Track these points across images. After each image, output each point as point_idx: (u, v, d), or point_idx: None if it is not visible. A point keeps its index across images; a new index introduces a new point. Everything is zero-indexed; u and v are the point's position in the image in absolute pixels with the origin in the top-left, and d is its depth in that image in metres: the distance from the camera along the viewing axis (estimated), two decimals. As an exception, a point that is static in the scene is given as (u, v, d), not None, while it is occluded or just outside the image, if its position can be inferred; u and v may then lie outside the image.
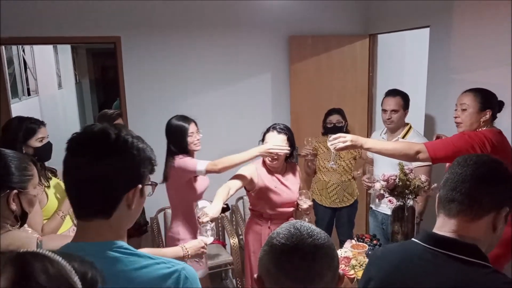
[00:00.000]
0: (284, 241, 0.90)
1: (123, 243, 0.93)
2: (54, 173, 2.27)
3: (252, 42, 3.65)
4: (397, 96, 2.78)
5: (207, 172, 2.38)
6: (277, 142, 2.33)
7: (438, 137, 2.40)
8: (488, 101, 2.11)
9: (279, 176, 2.45)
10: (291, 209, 2.46)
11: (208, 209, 2.05)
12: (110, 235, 0.92)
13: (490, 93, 2.14)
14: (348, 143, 2.07)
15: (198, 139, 2.50)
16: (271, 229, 2.38)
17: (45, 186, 2.10)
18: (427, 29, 3.04)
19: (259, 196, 2.40)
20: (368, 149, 2.24)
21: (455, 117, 2.20)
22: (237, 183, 2.28)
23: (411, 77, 3.79)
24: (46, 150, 2.15)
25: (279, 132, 2.37)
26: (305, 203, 2.37)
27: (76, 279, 0.60)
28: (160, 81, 3.50)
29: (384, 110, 2.80)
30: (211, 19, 3.51)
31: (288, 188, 2.45)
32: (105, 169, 0.89)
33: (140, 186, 0.96)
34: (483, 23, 2.55)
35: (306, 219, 2.39)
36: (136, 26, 3.33)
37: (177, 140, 2.44)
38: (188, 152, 2.45)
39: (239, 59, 3.66)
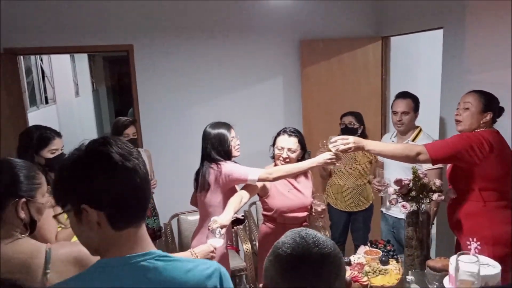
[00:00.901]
0: (290, 251, 0.89)
1: (158, 251, 0.94)
2: None
3: (263, 46, 3.66)
4: (407, 98, 2.75)
5: (259, 180, 2.26)
6: (289, 145, 2.34)
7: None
8: (491, 104, 2.13)
9: (292, 181, 2.43)
10: (305, 213, 2.44)
11: (219, 217, 2.04)
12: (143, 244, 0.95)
13: (494, 96, 2.16)
14: (350, 145, 2.07)
15: (238, 144, 2.45)
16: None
17: None
18: (441, 31, 2.99)
19: (272, 201, 2.39)
20: (369, 151, 2.25)
21: (456, 115, 2.21)
22: (250, 192, 2.27)
23: (425, 80, 3.73)
24: (56, 163, 2.12)
25: (289, 135, 2.38)
26: (319, 206, 2.35)
27: None
28: (173, 88, 3.54)
29: (394, 112, 2.78)
30: (222, 24, 3.54)
31: (301, 192, 2.43)
32: None
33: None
34: (497, 23, 2.49)
35: (321, 223, 2.38)
36: (149, 34, 3.38)
37: (220, 146, 2.35)
38: (231, 158, 2.39)
39: (251, 63, 3.67)
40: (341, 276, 0.90)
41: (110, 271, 0.88)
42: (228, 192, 2.35)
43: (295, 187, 2.42)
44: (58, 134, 2.17)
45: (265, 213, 2.51)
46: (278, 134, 2.43)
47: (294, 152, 2.36)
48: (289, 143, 2.35)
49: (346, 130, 3.22)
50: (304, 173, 2.50)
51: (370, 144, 2.13)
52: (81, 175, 0.88)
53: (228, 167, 2.30)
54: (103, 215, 0.88)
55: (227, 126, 2.43)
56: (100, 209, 0.87)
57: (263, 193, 2.41)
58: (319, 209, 2.35)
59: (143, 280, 0.88)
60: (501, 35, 2.46)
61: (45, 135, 2.11)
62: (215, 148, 2.34)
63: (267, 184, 2.36)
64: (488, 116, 2.12)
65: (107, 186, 0.87)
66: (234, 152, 2.42)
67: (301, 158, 2.43)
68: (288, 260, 0.89)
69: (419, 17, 3.22)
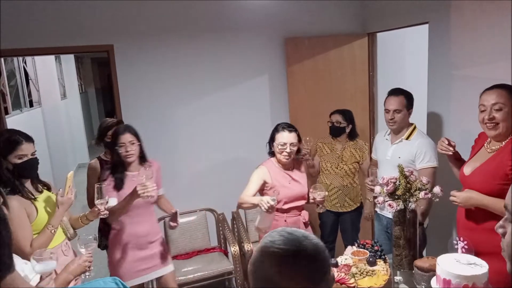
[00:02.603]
0: (284, 246, 0.90)
1: None
2: (47, 186, 2.21)
3: (248, 45, 3.60)
4: (400, 95, 2.66)
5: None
6: (291, 140, 2.48)
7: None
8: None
9: (289, 172, 2.58)
10: (303, 202, 2.59)
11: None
12: None
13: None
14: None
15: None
16: (287, 222, 2.52)
17: (32, 199, 2.05)
18: (426, 26, 2.95)
19: (274, 191, 2.50)
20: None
21: (490, 119, 1.95)
22: (252, 192, 2.47)
23: (412, 75, 3.70)
24: (25, 168, 2.02)
25: (290, 131, 2.50)
26: (319, 195, 2.46)
27: None
28: (155, 88, 3.47)
29: (386, 110, 2.69)
30: (206, 23, 3.47)
31: (298, 182, 2.58)
32: None
33: None
34: (482, 17, 2.45)
35: (321, 209, 2.55)
36: (129, 34, 3.30)
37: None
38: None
39: (235, 62, 3.60)
40: (330, 267, 0.94)
41: None
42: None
43: (293, 179, 2.56)
44: (29, 139, 2.04)
45: None
46: (277, 131, 2.53)
47: (295, 146, 2.51)
48: (290, 138, 2.48)
49: (333, 129, 3.18)
50: (299, 165, 2.65)
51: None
52: None
53: None
54: None
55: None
56: None
57: (264, 188, 2.55)
58: (318, 198, 2.47)
59: None
60: (487, 29, 2.43)
61: (13, 139, 1.98)
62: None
63: (268, 179, 2.52)
64: None
65: None
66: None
67: (297, 151, 2.58)
68: (283, 255, 0.89)
69: (404, 13, 3.18)
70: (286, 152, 2.47)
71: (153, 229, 2.64)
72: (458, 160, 2.29)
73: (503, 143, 1.98)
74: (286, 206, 2.53)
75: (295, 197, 2.54)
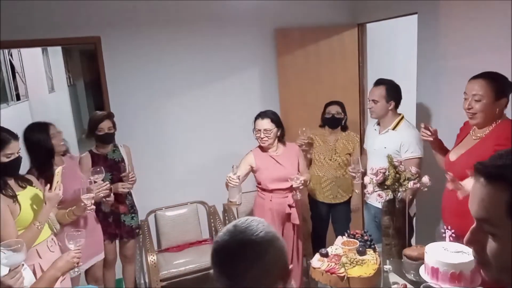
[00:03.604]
0: (217, 239, 0.97)
1: None
2: (30, 182, 2.18)
3: (237, 36, 3.57)
4: (380, 85, 2.71)
5: None
6: (263, 127, 2.75)
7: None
8: (503, 88, 1.94)
9: (275, 156, 2.82)
10: (288, 184, 2.72)
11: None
12: None
13: (503, 77, 1.95)
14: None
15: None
16: (272, 201, 2.80)
17: (15, 197, 2.01)
18: (416, 16, 2.95)
19: (259, 175, 2.82)
20: None
21: (469, 108, 2.00)
22: (242, 176, 2.71)
23: (402, 66, 3.71)
24: (11, 167, 1.99)
25: (262, 118, 2.78)
26: (295, 182, 2.66)
27: None
28: (144, 80, 3.43)
29: (368, 99, 2.77)
30: (194, 14, 3.43)
31: (282, 166, 2.79)
32: None
33: None
34: (471, 7, 2.46)
35: (299, 195, 2.75)
36: (116, 26, 3.25)
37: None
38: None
39: (224, 54, 3.57)
40: (265, 264, 0.91)
41: None
42: None
43: (278, 162, 2.80)
44: (15, 137, 2.01)
45: (257, 183, 2.91)
46: (256, 119, 2.82)
47: (269, 131, 2.76)
48: (263, 124, 2.76)
49: (333, 120, 3.16)
50: (289, 149, 2.87)
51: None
52: None
53: None
54: None
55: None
56: None
57: (253, 170, 2.85)
58: (294, 184, 2.67)
59: None
60: (476, 19, 2.44)
61: (1, 138, 1.94)
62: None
63: (253, 163, 2.81)
64: (503, 102, 1.95)
65: None
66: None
67: (281, 135, 2.84)
68: (214, 248, 0.96)
69: (393, 3, 3.17)
70: (260, 137, 2.76)
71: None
72: (441, 149, 2.33)
73: (488, 130, 2.01)
74: (270, 187, 2.78)
75: (277, 178, 2.76)
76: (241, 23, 3.55)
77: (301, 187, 2.71)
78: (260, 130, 2.76)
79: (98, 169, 2.49)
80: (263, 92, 3.73)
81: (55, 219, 2.28)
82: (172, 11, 3.37)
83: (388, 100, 2.68)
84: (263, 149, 2.84)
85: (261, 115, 2.80)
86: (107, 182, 2.52)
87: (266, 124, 2.75)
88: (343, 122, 3.18)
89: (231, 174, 2.54)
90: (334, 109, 3.16)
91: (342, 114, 3.16)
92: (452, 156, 2.15)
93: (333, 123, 3.17)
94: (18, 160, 2.02)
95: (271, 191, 2.79)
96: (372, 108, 2.72)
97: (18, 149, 2.02)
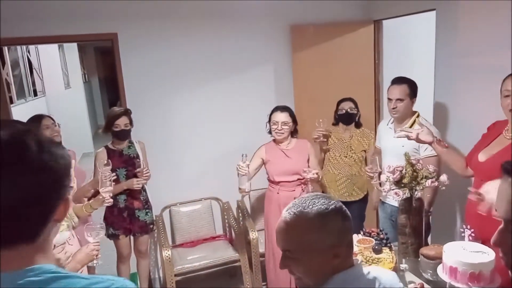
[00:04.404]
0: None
1: (51, 266, 0.78)
2: None
3: (253, 32, 3.56)
4: (402, 84, 2.64)
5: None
6: (282, 119, 2.84)
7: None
8: None
9: (285, 150, 2.90)
10: (296, 177, 2.84)
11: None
12: (38, 259, 0.78)
13: None
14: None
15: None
16: (279, 194, 2.86)
17: None
18: (433, 13, 2.91)
19: (269, 167, 2.92)
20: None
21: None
22: (254, 168, 2.85)
23: (419, 64, 3.65)
24: None
25: (282, 111, 2.87)
26: (308, 174, 2.72)
27: None
28: (160, 76, 3.45)
29: (389, 99, 2.68)
30: (210, 10, 3.43)
31: (290, 158, 2.87)
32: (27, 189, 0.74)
33: (69, 196, 0.83)
34: (490, 4, 2.41)
35: (310, 188, 2.79)
36: (133, 22, 3.27)
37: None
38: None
39: (240, 50, 3.57)
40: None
41: None
42: None
43: (287, 155, 2.88)
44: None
45: (268, 176, 2.99)
46: (272, 112, 2.91)
47: (287, 124, 2.85)
48: (282, 117, 2.85)
49: (347, 116, 3.14)
50: (300, 145, 2.92)
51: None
52: None
53: None
54: None
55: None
56: None
57: (264, 163, 2.95)
58: (307, 176, 2.73)
59: None
60: (495, 16, 2.39)
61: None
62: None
63: (264, 157, 2.92)
64: None
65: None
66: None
67: (294, 130, 2.93)
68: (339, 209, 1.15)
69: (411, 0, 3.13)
70: (277, 129, 2.84)
71: None
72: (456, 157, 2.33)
73: None
74: (277, 179, 2.87)
75: (284, 171, 2.84)
76: (257, 19, 3.55)
77: (314, 177, 2.75)
78: (278, 122, 2.84)
79: (105, 162, 2.50)
80: (277, 88, 3.72)
81: (73, 213, 2.31)
82: (186, 8, 3.38)
83: (412, 97, 2.64)
84: (275, 142, 2.93)
85: (280, 108, 2.90)
86: (114, 174, 2.49)
87: (284, 117, 2.84)
88: (357, 118, 3.16)
89: (240, 162, 2.63)
90: (347, 105, 3.14)
91: (356, 109, 3.14)
92: (482, 157, 2.09)
93: (347, 118, 3.15)
94: None
95: (278, 183, 2.87)
96: (396, 108, 2.62)
97: None
